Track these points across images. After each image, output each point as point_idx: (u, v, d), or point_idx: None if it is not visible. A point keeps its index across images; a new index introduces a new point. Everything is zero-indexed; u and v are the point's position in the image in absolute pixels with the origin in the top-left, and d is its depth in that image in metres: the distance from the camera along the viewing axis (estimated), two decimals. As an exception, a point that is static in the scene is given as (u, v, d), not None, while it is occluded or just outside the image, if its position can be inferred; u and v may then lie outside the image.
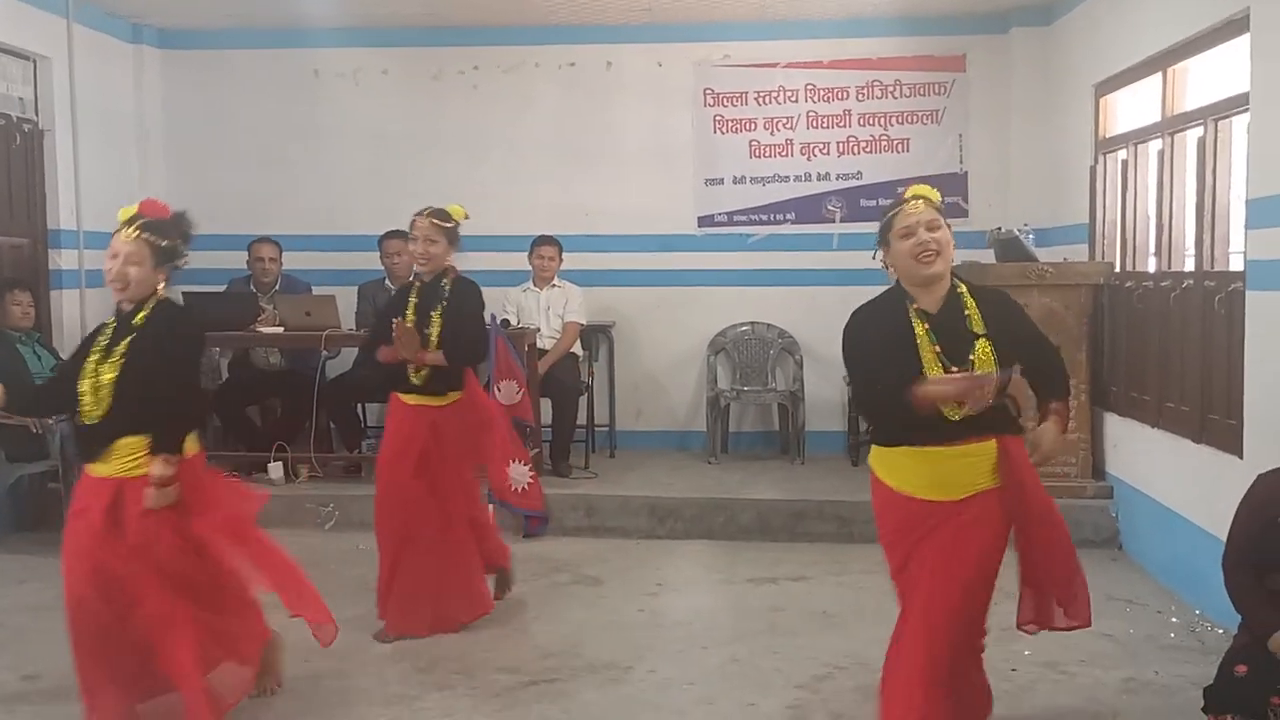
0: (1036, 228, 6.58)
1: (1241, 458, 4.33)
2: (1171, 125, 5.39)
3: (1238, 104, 4.65)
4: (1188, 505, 4.88)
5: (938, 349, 3.02)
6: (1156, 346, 5.37)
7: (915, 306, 3.09)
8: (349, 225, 7.75)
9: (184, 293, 6.84)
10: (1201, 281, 4.93)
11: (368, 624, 4.66)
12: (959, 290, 3.14)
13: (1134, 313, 5.67)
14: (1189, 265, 5.26)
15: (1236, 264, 4.73)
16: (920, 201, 3.10)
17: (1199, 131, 5.06)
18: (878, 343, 3.09)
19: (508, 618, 4.77)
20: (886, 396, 3.03)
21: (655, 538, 6.14)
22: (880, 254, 3.18)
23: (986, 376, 2.93)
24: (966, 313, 3.09)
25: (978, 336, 3.05)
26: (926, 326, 3.06)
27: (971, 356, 3.02)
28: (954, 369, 2.99)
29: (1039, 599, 3.26)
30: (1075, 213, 6.63)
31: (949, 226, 3.11)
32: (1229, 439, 4.49)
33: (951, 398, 2.94)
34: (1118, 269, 6.04)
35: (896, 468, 3.15)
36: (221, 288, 7.16)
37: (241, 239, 7.28)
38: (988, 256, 6.38)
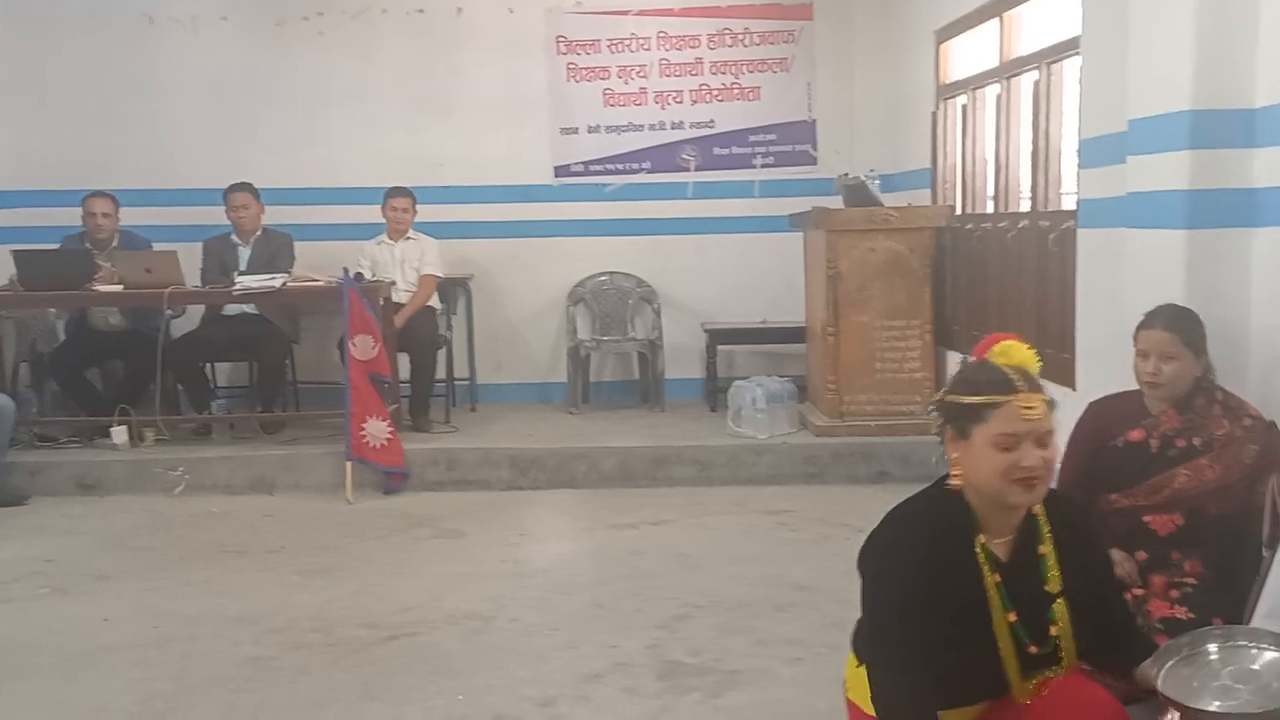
0: (882, 173, 6.73)
1: (1075, 389, 4.53)
2: (1008, 70, 5.57)
3: (1069, 48, 4.82)
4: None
5: (1012, 618, 2.15)
6: (995, 285, 5.58)
7: (983, 540, 2.18)
8: (191, 179, 7.46)
9: (14, 251, 6.52)
10: (1036, 221, 5.13)
11: (220, 587, 4.56)
12: (1038, 515, 2.23)
13: (974, 254, 5.89)
14: (1025, 206, 5.47)
15: (1069, 204, 4.94)
16: (1038, 402, 2.12)
17: (1034, 76, 5.24)
18: (930, 593, 2.11)
19: (366, 574, 4.71)
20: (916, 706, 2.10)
21: (518, 489, 6.13)
22: (942, 434, 2.21)
23: None
24: (1041, 552, 2.21)
25: (1054, 597, 2.20)
26: (999, 579, 2.16)
27: (1053, 630, 2.18)
28: (1031, 648, 2.16)
29: None
30: (918, 158, 6.81)
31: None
32: (1063, 372, 4.70)
33: None
34: (958, 211, 6.24)
35: None
36: (55, 246, 6.81)
37: (75, 194, 6.91)
38: (836, 202, 6.52)
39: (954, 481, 2.18)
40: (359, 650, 3.89)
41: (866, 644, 2.23)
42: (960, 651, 2.11)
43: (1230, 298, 3.49)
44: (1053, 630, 2.16)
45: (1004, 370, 2.14)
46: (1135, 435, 3.31)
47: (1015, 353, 2.17)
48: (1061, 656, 2.20)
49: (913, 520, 2.21)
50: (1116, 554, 3.23)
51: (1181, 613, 3.06)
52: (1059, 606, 2.18)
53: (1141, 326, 3.32)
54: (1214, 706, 2.11)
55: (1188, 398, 3.28)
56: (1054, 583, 2.19)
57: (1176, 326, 3.25)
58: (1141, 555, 3.25)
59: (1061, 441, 3.45)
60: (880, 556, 2.20)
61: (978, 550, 2.16)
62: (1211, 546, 3.21)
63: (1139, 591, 3.16)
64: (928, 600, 2.09)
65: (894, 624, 2.13)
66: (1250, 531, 3.13)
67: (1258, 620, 2.89)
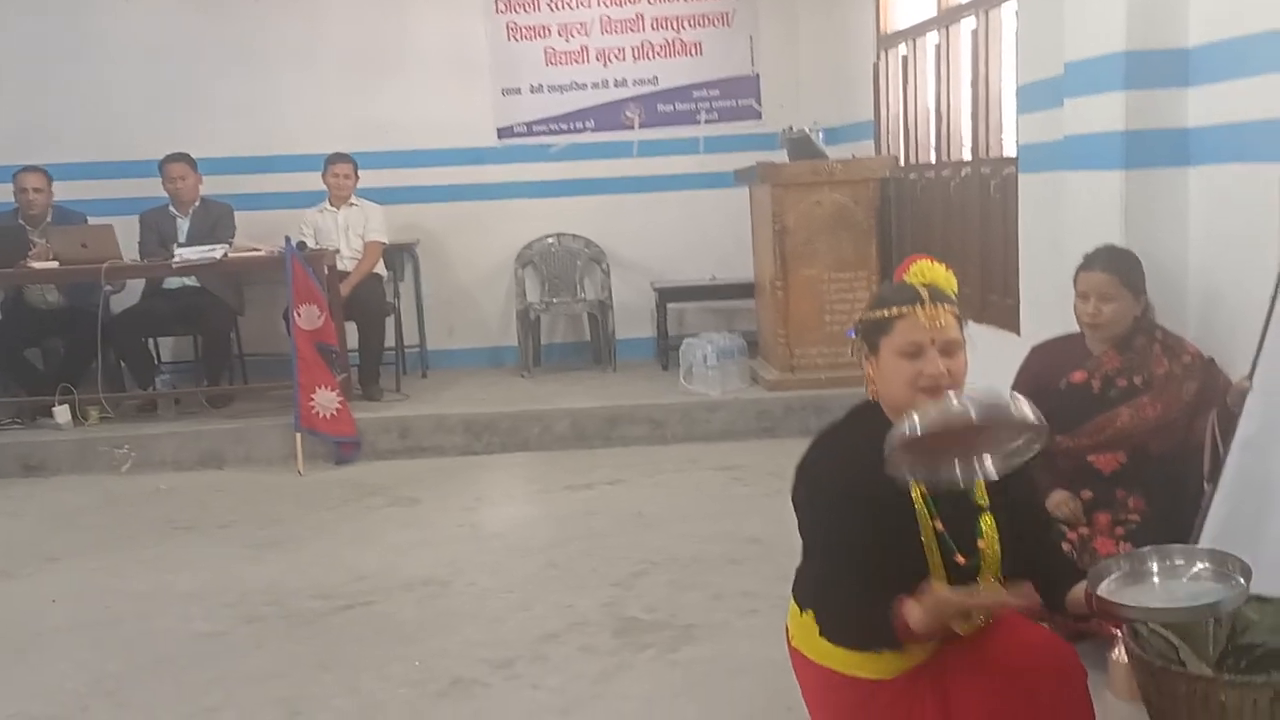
0: (826, 126, 6.72)
1: (1019, 334, 4.56)
2: (946, 18, 5.56)
3: (1006, -6, 4.82)
4: (971, 382, 5.13)
5: (938, 526, 2.13)
6: (940, 234, 5.61)
7: None
8: (127, 150, 7.30)
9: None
10: (978, 169, 5.15)
11: (170, 564, 4.51)
12: None
13: (918, 203, 5.90)
14: (967, 154, 5.49)
15: (1010, 150, 4.95)
16: (943, 313, 2.12)
17: (971, 23, 5.24)
18: (858, 508, 2.10)
19: (320, 545, 4.67)
20: (866, 606, 2.09)
21: (472, 454, 6.10)
22: (858, 351, 2.24)
23: (997, 597, 2.05)
24: None
25: (982, 510, 2.18)
26: (923, 489, 2.15)
27: (980, 542, 2.15)
28: (959, 558, 2.13)
29: None
30: (861, 109, 6.80)
31: (968, 341, 2.18)
32: (1007, 317, 4.74)
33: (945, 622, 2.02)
34: (902, 162, 6.25)
35: (844, 659, 2.20)
36: (-15, 224, 6.65)
37: (5, 170, 6.75)
38: (781, 157, 6.51)
39: (870, 397, 2.22)
40: (313, 621, 3.86)
41: (812, 567, 2.22)
42: (893, 566, 2.09)
43: (1168, 237, 3.53)
44: (980, 543, 2.16)
45: (913, 286, 2.17)
46: (1077, 377, 3.35)
47: (929, 271, 2.20)
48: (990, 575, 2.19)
49: (838, 439, 2.24)
50: (1061, 494, 3.27)
51: (1126, 549, 3.10)
52: (986, 519, 2.18)
53: (1081, 268, 3.35)
54: (1155, 604, 2.15)
55: (1128, 337, 3.31)
56: (981, 497, 2.19)
57: (1115, 267, 3.28)
58: (1086, 494, 3.30)
59: (1005, 383, 3.49)
60: (809, 477, 2.22)
61: None
62: (1154, 483, 3.27)
63: (1084, 530, 3.21)
64: (859, 513, 2.10)
65: (834, 542, 2.14)
66: (1191, 467, 3.18)
67: (1200, 554, 2.95)
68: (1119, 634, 2.65)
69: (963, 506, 2.16)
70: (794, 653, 2.32)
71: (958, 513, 2.15)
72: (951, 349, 2.12)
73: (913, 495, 2.14)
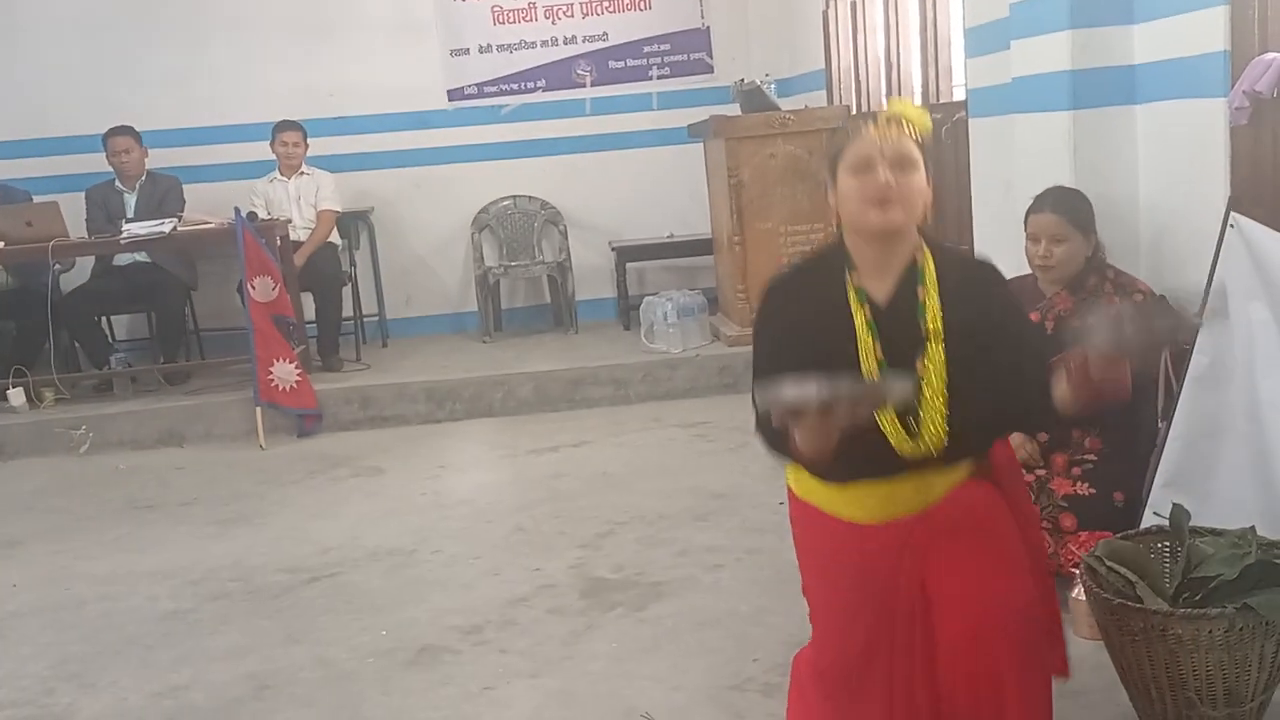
0: (778, 77, 6.68)
1: (975, 280, 4.57)
2: (894, -37, 5.53)
3: (952, -63, 4.80)
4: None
5: (878, 352, 2.11)
6: (894, 182, 5.59)
7: (857, 281, 2.17)
8: (67, 125, 7.16)
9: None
10: (929, 114, 5.13)
11: (133, 544, 4.47)
12: (921, 263, 2.17)
13: (872, 152, 5.88)
14: (918, 100, 5.47)
15: (960, 95, 4.94)
16: (892, 125, 2.08)
17: (919, -33, 5.22)
18: (796, 330, 2.15)
19: (285, 519, 4.65)
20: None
21: (435, 422, 6.07)
22: (829, 193, 2.21)
23: (870, 388, 1.98)
24: (920, 296, 2.14)
25: (929, 338, 2.12)
26: (868, 315, 2.14)
27: (921, 363, 2.10)
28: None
29: None
30: (812, 59, 6.76)
31: (929, 169, 2.12)
32: (963, 263, 4.74)
33: (815, 411, 1.89)
34: (854, 111, 6.22)
35: (825, 496, 2.24)
36: (-73, 207, 6.51)
37: (-56, 151, 6.63)
38: (734, 110, 6.47)
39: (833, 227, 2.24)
40: (280, 595, 3.84)
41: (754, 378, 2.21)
42: None
43: (1117, 175, 3.54)
44: (922, 366, 2.10)
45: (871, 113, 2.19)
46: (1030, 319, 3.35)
47: (898, 104, 2.18)
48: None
49: (798, 265, 2.29)
50: (1018, 437, 3.29)
51: (1083, 489, 3.15)
52: (933, 349, 2.11)
53: (1030, 211, 3.35)
54: None
55: (1079, 278, 3.33)
56: (933, 319, 2.13)
57: (1064, 208, 3.29)
58: (1042, 436, 3.32)
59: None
60: (764, 296, 2.26)
61: (850, 289, 2.15)
62: (1109, 422, 3.29)
63: (1041, 472, 3.24)
64: (803, 333, 2.14)
65: (771, 354, 2.17)
66: (1145, 405, 3.21)
67: (1156, 490, 2.99)
68: (1077, 573, 2.69)
69: (911, 335, 2.13)
70: (788, 491, 2.33)
71: (904, 342, 2.12)
72: (904, 163, 2.07)
73: (855, 320, 2.14)
